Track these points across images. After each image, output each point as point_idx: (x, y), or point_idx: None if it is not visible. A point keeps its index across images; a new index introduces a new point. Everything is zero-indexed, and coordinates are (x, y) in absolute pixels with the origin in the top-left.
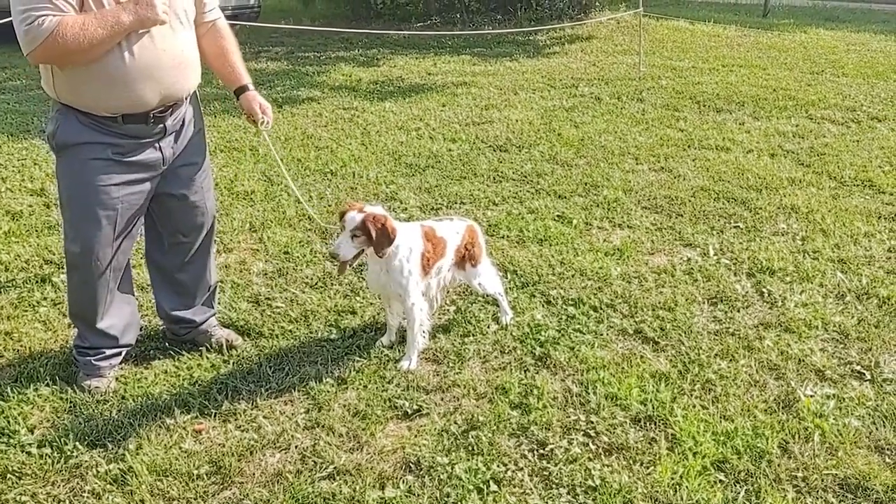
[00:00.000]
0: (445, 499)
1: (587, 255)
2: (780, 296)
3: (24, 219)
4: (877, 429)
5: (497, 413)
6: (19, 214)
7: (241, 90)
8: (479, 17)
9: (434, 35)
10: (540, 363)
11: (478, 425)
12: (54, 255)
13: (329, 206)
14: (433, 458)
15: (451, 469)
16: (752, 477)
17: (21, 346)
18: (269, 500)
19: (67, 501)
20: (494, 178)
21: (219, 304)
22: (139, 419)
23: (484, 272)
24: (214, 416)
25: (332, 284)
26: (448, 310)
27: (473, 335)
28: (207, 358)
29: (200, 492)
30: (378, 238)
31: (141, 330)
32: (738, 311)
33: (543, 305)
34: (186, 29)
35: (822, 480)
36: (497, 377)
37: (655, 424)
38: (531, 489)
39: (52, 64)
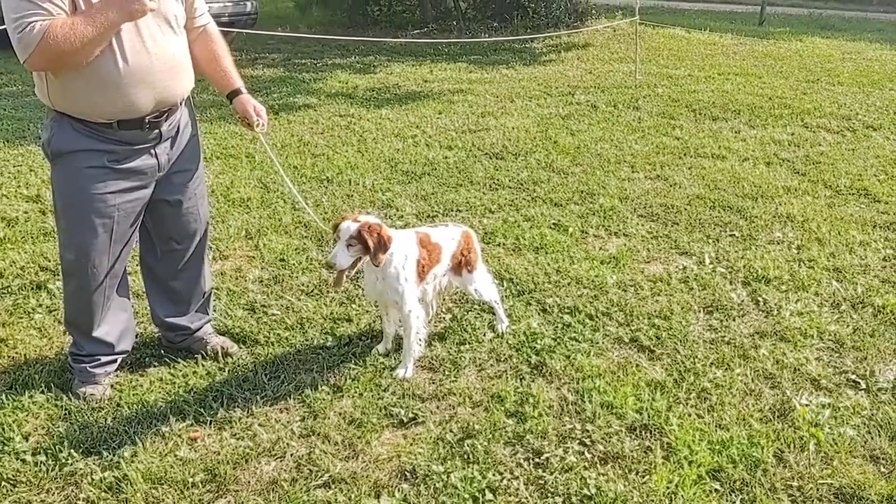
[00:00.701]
0: None
1: (583, 264)
2: (775, 304)
3: (19, 225)
4: (872, 438)
5: (493, 421)
6: (15, 221)
7: (235, 94)
8: (476, 24)
9: (430, 42)
10: (536, 371)
11: (473, 434)
12: (50, 261)
13: (325, 213)
14: (429, 466)
15: (447, 478)
16: (747, 486)
17: (16, 353)
18: None
19: None
20: (491, 186)
21: (214, 311)
22: (134, 427)
23: (480, 279)
24: (210, 423)
25: (327, 292)
26: (444, 318)
27: (469, 343)
28: (203, 365)
29: (195, 500)
30: (375, 246)
31: (136, 337)
32: (734, 319)
33: (539, 314)
34: (177, 34)
35: (817, 490)
36: (493, 385)
37: (651, 433)
38: (527, 498)
39: (49, 69)
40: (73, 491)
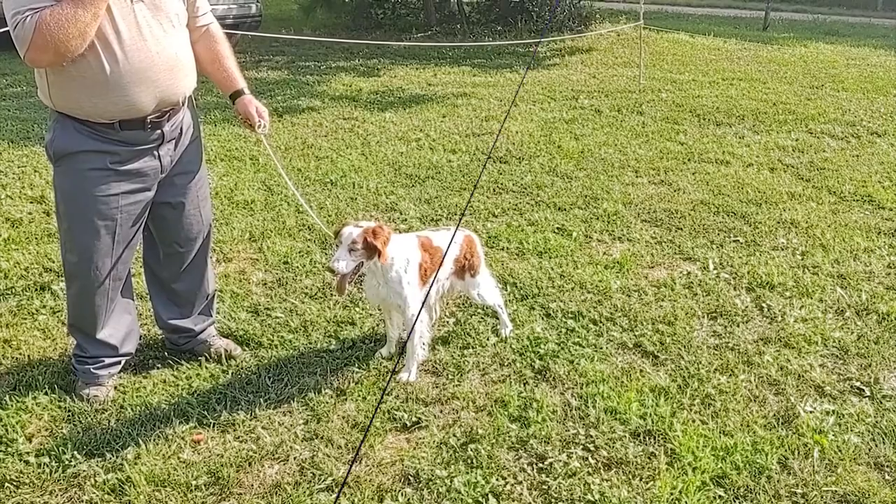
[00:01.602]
0: None
1: (587, 268)
2: (779, 311)
3: (23, 226)
4: (876, 445)
5: (496, 426)
6: (19, 222)
7: (237, 94)
8: (480, 28)
9: (434, 46)
10: (539, 376)
11: (477, 438)
12: (54, 263)
13: (329, 216)
14: (432, 470)
15: (450, 482)
16: (751, 493)
17: (20, 354)
18: None
19: None
20: (494, 190)
21: (218, 313)
22: (137, 429)
23: (483, 283)
24: (213, 426)
25: (331, 295)
26: (448, 322)
27: (473, 347)
28: (206, 368)
29: (199, 502)
30: (384, 242)
31: (140, 339)
32: (738, 325)
33: (543, 318)
34: (179, 32)
35: (822, 497)
36: (496, 390)
37: (655, 439)
38: (530, 503)
39: (49, 61)
40: (76, 493)
